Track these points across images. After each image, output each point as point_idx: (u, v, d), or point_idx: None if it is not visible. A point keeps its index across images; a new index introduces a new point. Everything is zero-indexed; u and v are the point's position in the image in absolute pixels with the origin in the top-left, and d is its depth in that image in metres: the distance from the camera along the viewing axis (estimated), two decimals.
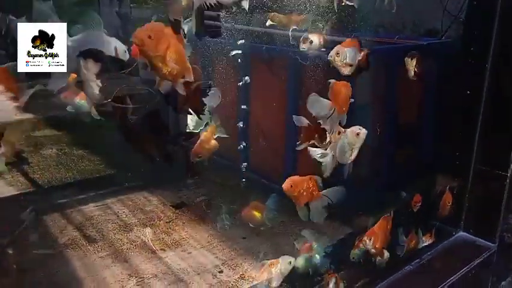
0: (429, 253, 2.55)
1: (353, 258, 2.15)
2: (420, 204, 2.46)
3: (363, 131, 1.67)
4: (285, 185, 1.67)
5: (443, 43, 3.29)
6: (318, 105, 1.60)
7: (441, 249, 2.62)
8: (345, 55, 1.65)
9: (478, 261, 2.54)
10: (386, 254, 2.19)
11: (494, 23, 2.41)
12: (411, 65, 2.24)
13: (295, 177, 1.70)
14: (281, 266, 1.81)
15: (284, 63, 2.86)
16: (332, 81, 1.60)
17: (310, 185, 1.68)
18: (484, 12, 2.48)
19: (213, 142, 1.94)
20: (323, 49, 1.98)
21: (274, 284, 1.80)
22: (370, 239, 1.94)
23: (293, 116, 1.76)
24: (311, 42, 1.90)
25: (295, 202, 1.69)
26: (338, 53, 1.65)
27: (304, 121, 1.72)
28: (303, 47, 1.90)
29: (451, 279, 2.34)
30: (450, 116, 2.78)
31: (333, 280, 2.01)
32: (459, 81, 2.69)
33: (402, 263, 2.41)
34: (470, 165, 2.67)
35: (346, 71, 1.67)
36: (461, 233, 2.77)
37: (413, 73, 2.24)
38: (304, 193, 1.66)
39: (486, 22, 2.46)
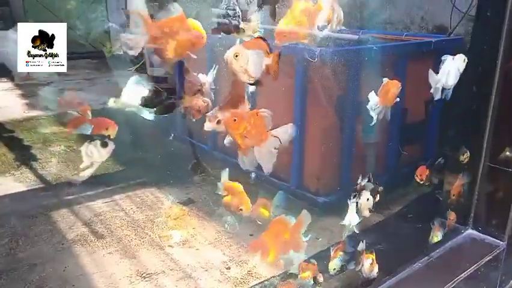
0: (437, 250, 2.53)
1: (334, 269, 1.94)
2: (426, 177, 2.34)
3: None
4: (227, 119, 1.24)
5: (452, 40, 3.27)
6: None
7: (450, 247, 2.60)
8: (246, 59, 1.24)
9: (487, 259, 2.52)
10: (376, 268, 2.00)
11: (505, 18, 2.38)
12: None
13: (240, 111, 1.28)
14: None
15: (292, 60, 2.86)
16: (385, 79, 1.75)
17: (258, 123, 1.26)
18: (495, 6, 2.45)
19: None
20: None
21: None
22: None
23: None
24: (218, 122, 1.31)
25: (239, 146, 1.27)
26: (236, 55, 1.22)
27: None
28: (208, 125, 1.32)
29: (460, 276, 2.32)
30: (459, 114, 2.76)
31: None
32: (469, 78, 2.66)
33: (411, 260, 2.40)
34: (480, 163, 2.65)
35: (246, 78, 1.25)
36: (470, 231, 2.74)
37: None
38: (251, 133, 1.25)
39: (496, 17, 2.43)
